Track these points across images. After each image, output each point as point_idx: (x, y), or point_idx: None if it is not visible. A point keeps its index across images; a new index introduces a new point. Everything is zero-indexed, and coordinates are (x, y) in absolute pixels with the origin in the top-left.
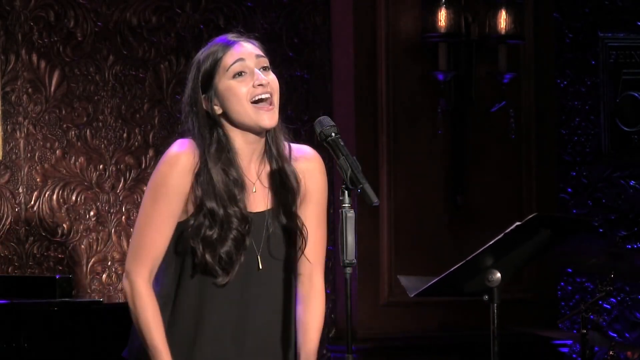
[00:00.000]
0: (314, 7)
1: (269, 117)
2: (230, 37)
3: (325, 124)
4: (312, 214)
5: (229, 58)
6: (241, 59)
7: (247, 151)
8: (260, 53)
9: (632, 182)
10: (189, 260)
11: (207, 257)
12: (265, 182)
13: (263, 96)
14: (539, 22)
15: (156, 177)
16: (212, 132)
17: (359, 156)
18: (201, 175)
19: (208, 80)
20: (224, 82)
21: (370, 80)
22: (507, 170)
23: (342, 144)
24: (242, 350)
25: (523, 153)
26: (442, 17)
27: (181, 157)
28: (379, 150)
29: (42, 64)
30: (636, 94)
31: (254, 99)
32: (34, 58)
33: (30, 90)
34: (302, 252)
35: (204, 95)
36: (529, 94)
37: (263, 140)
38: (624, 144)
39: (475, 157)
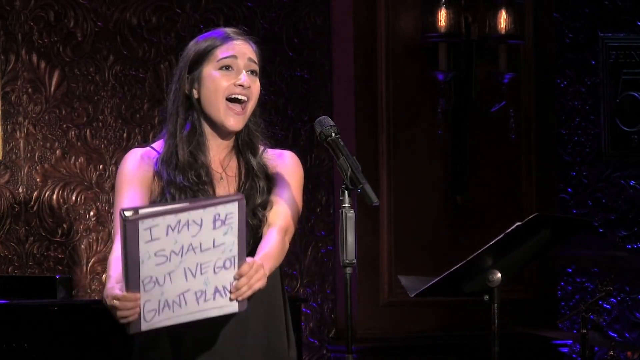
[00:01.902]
0: (314, 7)
1: (235, 121)
2: (232, 32)
3: (325, 124)
4: (279, 189)
5: (223, 50)
6: (234, 56)
7: (215, 143)
8: (254, 58)
9: (632, 182)
10: None
11: None
12: (232, 174)
13: (239, 97)
14: (539, 22)
15: (117, 175)
16: (187, 114)
17: (359, 156)
18: (166, 161)
19: (197, 63)
20: (209, 70)
21: (370, 80)
22: (507, 170)
23: (342, 144)
24: (221, 331)
25: (523, 153)
26: (442, 17)
27: (134, 150)
28: (379, 150)
29: (42, 64)
30: (636, 94)
31: (229, 97)
32: (34, 58)
33: (30, 90)
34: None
35: (188, 76)
36: (529, 94)
37: (233, 136)
38: (624, 144)
39: (475, 157)
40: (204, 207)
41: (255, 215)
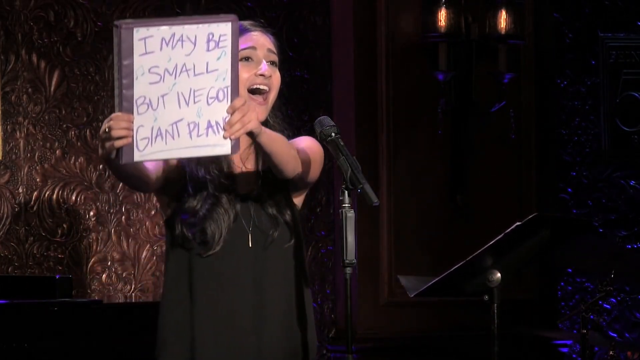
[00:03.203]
0: (313, 7)
1: (258, 111)
2: (249, 24)
3: (325, 123)
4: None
5: (242, 42)
6: (253, 47)
7: None
8: (273, 49)
9: (632, 182)
10: (177, 237)
11: (187, 230)
12: (251, 167)
13: (261, 87)
14: (539, 22)
15: None
16: None
17: (359, 156)
18: None
19: None
20: None
21: (370, 80)
22: (507, 170)
23: (342, 144)
24: (239, 324)
25: (523, 153)
26: (442, 17)
27: None
28: (379, 150)
29: (42, 64)
30: (636, 94)
31: (251, 87)
32: (34, 58)
33: (30, 90)
34: (291, 240)
35: None
36: (529, 94)
37: None
38: (624, 144)
39: (475, 157)
40: (197, 23)
41: (277, 207)
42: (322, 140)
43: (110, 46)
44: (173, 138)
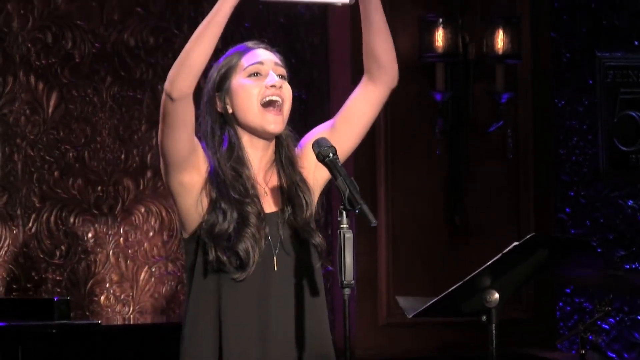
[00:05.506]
0: (311, 27)
1: (275, 122)
2: (252, 43)
3: (323, 144)
4: None
5: (248, 58)
6: (260, 62)
7: (255, 156)
8: (280, 63)
9: (630, 202)
10: (202, 259)
11: (222, 253)
12: (274, 189)
13: (273, 98)
14: (536, 41)
15: None
16: (222, 130)
17: (356, 176)
18: (214, 176)
19: (223, 79)
20: (238, 80)
21: None
22: (505, 190)
23: (340, 164)
24: (267, 349)
25: (521, 173)
26: (440, 37)
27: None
28: (376, 170)
29: (40, 86)
30: (634, 114)
31: (263, 101)
32: (32, 79)
33: (28, 111)
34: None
35: (217, 94)
36: (526, 114)
37: (272, 147)
38: (622, 164)
39: (473, 177)
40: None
41: (306, 228)
42: (320, 161)
43: (107, 67)
44: None
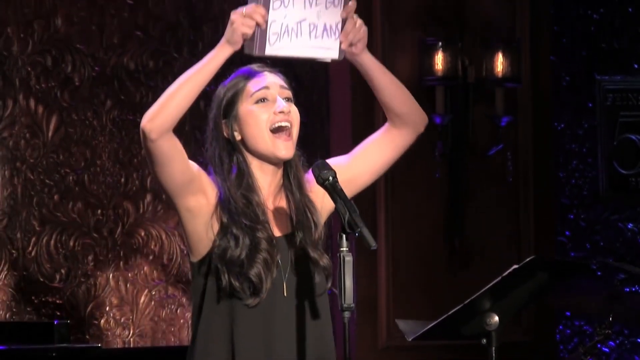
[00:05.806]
0: None
1: (286, 147)
2: (256, 66)
3: (323, 167)
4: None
5: (254, 84)
6: (266, 87)
7: (265, 181)
8: (285, 85)
9: (630, 225)
10: (214, 284)
11: (234, 279)
12: (283, 212)
13: (282, 124)
14: (536, 65)
15: None
16: (231, 158)
17: (356, 199)
18: (224, 202)
19: (230, 105)
20: (246, 107)
21: (368, 123)
22: (504, 213)
23: (339, 187)
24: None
25: (521, 196)
26: (439, 60)
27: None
28: (376, 193)
29: (40, 109)
30: (633, 137)
31: (273, 127)
32: (32, 103)
33: (28, 135)
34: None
35: (224, 121)
36: (526, 137)
37: (280, 172)
38: (621, 187)
39: (472, 201)
40: None
41: (315, 250)
42: (320, 184)
43: (107, 91)
44: (297, 36)
